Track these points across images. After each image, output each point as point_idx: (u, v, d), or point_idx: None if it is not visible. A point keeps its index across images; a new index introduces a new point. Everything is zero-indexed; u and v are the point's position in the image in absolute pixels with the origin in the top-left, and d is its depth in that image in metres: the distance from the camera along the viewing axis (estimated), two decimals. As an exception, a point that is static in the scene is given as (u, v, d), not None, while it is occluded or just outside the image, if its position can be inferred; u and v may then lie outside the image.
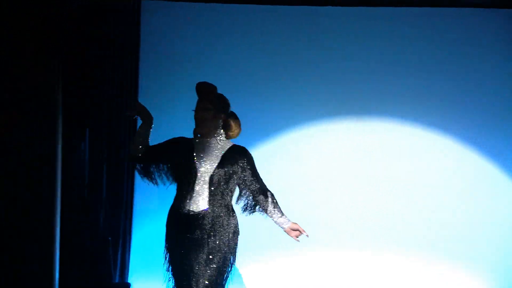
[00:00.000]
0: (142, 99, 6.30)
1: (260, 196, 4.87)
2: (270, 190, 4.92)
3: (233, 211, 4.85)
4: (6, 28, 5.52)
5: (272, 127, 6.59)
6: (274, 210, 4.89)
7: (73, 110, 6.11)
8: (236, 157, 4.85)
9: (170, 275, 4.81)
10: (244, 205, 4.90)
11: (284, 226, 4.91)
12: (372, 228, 6.59)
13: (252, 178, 4.88)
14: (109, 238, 6.35)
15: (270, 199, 4.89)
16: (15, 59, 5.51)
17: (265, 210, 4.89)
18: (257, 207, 4.90)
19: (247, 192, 4.87)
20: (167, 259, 4.82)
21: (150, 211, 6.41)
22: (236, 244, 4.85)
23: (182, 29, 6.56)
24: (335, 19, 6.63)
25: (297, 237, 4.95)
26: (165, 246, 4.84)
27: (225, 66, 6.56)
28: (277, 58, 6.60)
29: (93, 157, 6.34)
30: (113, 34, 6.26)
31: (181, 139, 4.91)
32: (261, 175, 4.92)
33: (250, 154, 4.93)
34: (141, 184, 6.24)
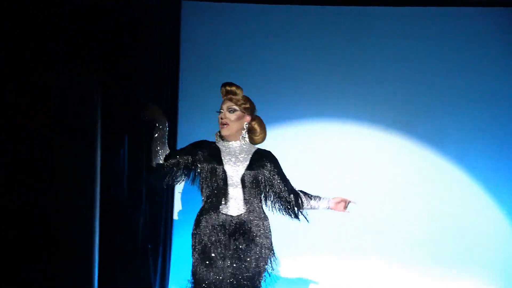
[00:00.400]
0: (182, 102, 6.38)
1: (291, 197, 4.80)
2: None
3: (265, 213, 4.77)
4: (44, 34, 5.47)
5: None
6: (311, 201, 4.85)
7: (112, 116, 6.04)
8: (263, 161, 4.78)
9: (192, 281, 4.70)
10: (280, 208, 4.83)
11: (330, 205, 4.87)
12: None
13: (279, 181, 4.80)
14: (149, 246, 6.27)
15: (303, 197, 4.84)
16: (53, 65, 5.45)
17: (303, 207, 4.83)
18: (295, 209, 4.82)
19: (278, 197, 4.79)
20: (198, 264, 4.70)
21: (190, 219, 6.21)
22: (272, 246, 4.75)
23: (222, 30, 6.56)
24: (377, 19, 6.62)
25: (345, 208, 4.90)
26: (194, 251, 4.72)
27: (265, 67, 6.55)
28: (323, 58, 6.59)
29: (132, 164, 6.26)
30: (153, 36, 6.21)
31: (206, 143, 4.82)
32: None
33: (276, 157, 4.85)
34: (182, 193, 6.22)
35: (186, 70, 6.49)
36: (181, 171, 4.80)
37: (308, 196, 4.89)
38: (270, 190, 4.79)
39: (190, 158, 4.78)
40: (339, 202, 4.91)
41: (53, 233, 5.46)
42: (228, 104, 4.79)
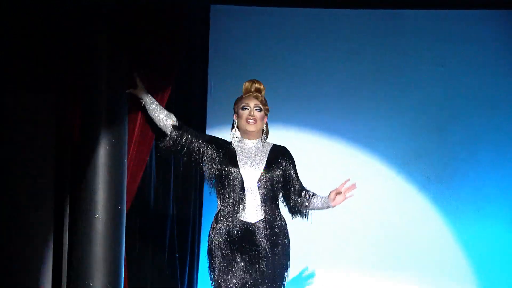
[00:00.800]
0: (211, 106, 6.36)
1: (302, 194, 4.69)
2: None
3: (282, 215, 4.68)
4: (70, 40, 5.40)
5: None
6: (317, 201, 4.69)
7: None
8: (280, 157, 4.68)
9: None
10: (292, 207, 4.71)
11: (330, 204, 4.70)
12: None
13: (295, 177, 4.70)
14: (176, 255, 6.14)
15: (312, 195, 4.70)
16: (83, 66, 5.36)
17: (312, 207, 4.70)
18: (304, 209, 4.70)
19: (293, 194, 4.67)
20: (216, 273, 4.56)
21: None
22: (289, 249, 4.65)
23: (250, 34, 6.52)
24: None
25: (345, 197, 4.72)
26: (212, 260, 4.64)
27: (293, 71, 6.51)
28: (353, 62, 6.53)
29: (160, 172, 6.14)
30: (182, 40, 6.11)
31: (222, 142, 4.70)
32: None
33: (291, 154, 4.76)
34: (209, 200, 6.09)
35: (214, 74, 6.45)
36: (188, 148, 4.69)
37: (316, 197, 4.73)
38: (286, 187, 4.67)
39: (202, 144, 4.66)
40: (338, 194, 4.71)
41: (75, 236, 5.37)
42: (255, 102, 4.72)
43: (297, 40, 6.53)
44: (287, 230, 4.71)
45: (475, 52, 6.54)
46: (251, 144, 4.73)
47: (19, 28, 5.48)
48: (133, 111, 5.41)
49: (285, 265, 4.66)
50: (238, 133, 4.77)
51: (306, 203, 4.72)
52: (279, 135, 6.19)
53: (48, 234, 5.66)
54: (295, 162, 4.78)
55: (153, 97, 5.19)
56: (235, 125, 4.80)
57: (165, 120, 4.87)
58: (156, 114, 4.89)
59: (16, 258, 5.52)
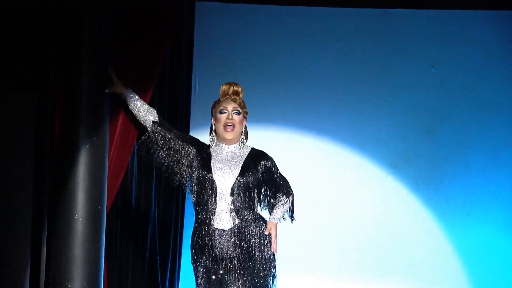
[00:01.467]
0: (195, 105, 6.29)
1: (279, 194, 4.57)
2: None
3: (263, 220, 4.55)
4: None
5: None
6: (277, 209, 4.57)
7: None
8: (257, 162, 4.57)
9: None
10: (266, 202, 4.61)
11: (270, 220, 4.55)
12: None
13: (276, 178, 4.59)
14: (158, 257, 6.06)
15: (285, 200, 4.57)
16: (64, 64, 5.27)
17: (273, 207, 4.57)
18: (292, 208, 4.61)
19: (270, 191, 4.57)
20: (199, 281, 4.49)
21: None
22: (274, 257, 4.54)
23: (235, 31, 6.47)
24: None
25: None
26: (194, 267, 4.57)
27: (279, 69, 6.47)
28: (343, 61, 6.48)
29: (141, 172, 6.05)
30: (166, 37, 6.03)
31: (201, 145, 4.62)
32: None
33: (271, 156, 4.65)
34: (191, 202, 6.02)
35: (199, 73, 6.40)
36: (166, 145, 4.65)
37: (284, 205, 4.62)
38: (265, 188, 4.58)
39: (181, 143, 4.65)
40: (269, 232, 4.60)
41: (54, 238, 5.28)
42: (233, 105, 4.62)
43: (285, 39, 6.49)
44: (267, 237, 4.58)
45: (466, 53, 6.50)
46: (228, 149, 4.63)
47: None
48: (114, 110, 5.33)
49: (268, 275, 4.54)
50: (215, 137, 4.67)
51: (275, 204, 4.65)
52: (266, 136, 6.15)
53: (26, 234, 5.57)
54: (277, 167, 4.66)
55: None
56: (213, 129, 4.69)
57: (146, 115, 4.78)
58: (136, 109, 4.81)
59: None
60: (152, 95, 5.86)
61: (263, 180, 4.60)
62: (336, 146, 6.52)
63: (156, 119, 4.76)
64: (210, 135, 4.70)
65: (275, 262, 4.60)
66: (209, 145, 4.68)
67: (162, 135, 4.72)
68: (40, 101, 5.54)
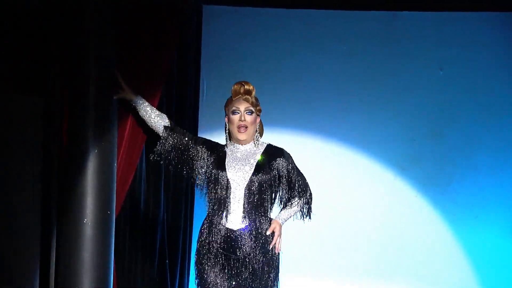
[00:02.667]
0: (203, 108, 6.29)
1: (293, 194, 4.58)
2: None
3: (268, 220, 4.54)
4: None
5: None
6: (285, 210, 4.58)
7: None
8: (274, 159, 4.54)
9: None
10: (281, 203, 4.61)
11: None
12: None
13: (292, 177, 4.57)
14: (167, 261, 6.05)
15: (296, 202, 4.57)
16: (72, 67, 5.26)
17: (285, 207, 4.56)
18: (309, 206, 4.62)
19: (284, 192, 4.57)
20: (200, 281, 4.46)
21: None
22: (279, 260, 4.53)
23: (244, 35, 6.46)
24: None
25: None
26: (197, 267, 4.54)
27: (287, 73, 6.45)
28: (349, 64, 6.47)
29: (150, 175, 6.04)
30: (174, 41, 6.02)
31: (215, 145, 4.60)
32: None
33: (289, 154, 4.62)
34: (201, 205, 5.99)
35: (207, 76, 6.39)
36: (179, 149, 4.62)
37: (297, 205, 4.64)
38: (282, 190, 4.58)
39: (196, 147, 4.58)
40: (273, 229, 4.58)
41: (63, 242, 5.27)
42: (245, 105, 4.59)
43: (291, 42, 6.47)
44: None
45: (473, 55, 6.48)
46: (242, 148, 4.62)
47: (6, 28, 5.39)
48: (123, 114, 5.32)
49: (273, 276, 4.53)
50: (229, 137, 4.66)
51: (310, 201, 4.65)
52: (273, 138, 6.11)
53: (35, 238, 5.56)
54: (294, 164, 4.64)
55: (143, 97, 5.09)
56: (227, 128, 4.68)
57: (157, 121, 4.76)
58: (147, 115, 4.79)
59: (2, 263, 5.42)
60: (160, 98, 5.87)
61: (278, 179, 4.59)
62: (343, 148, 6.50)
63: (168, 124, 4.74)
64: (225, 133, 4.67)
65: (279, 264, 4.58)
66: (225, 144, 4.65)
67: (175, 140, 4.70)
68: (47, 105, 5.53)
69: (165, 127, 4.73)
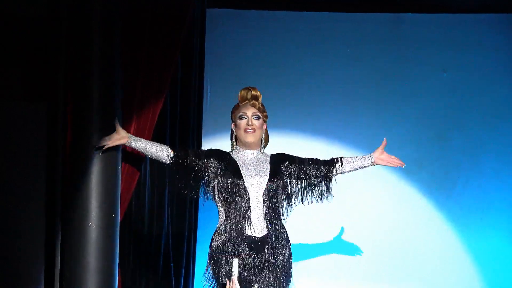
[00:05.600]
0: (206, 112, 6.26)
1: (327, 167, 4.59)
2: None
3: (286, 233, 4.55)
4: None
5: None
6: (351, 161, 4.62)
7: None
8: (281, 164, 4.55)
9: None
10: (319, 193, 4.62)
11: (372, 160, 4.64)
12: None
13: (305, 160, 4.60)
14: (171, 265, 6.03)
15: (339, 160, 4.60)
16: (75, 73, 5.27)
17: (338, 171, 4.59)
18: (331, 183, 4.61)
19: (314, 170, 4.58)
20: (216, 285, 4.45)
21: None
22: (291, 273, 4.53)
23: (247, 39, 6.44)
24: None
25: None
26: (216, 274, 4.49)
27: (291, 76, 6.42)
28: (354, 67, 6.45)
29: (154, 179, 6.03)
30: (177, 44, 6.02)
31: (221, 153, 4.56)
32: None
33: (288, 153, 4.64)
34: (205, 209, 6.00)
35: (210, 80, 6.38)
36: (192, 175, 4.55)
37: (347, 159, 4.64)
38: (303, 175, 4.57)
39: (204, 163, 4.54)
40: (384, 158, 4.67)
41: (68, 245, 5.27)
42: (252, 110, 4.57)
43: (296, 45, 6.46)
44: (289, 241, 4.58)
45: (478, 58, 6.47)
46: (251, 155, 4.59)
47: (10, 34, 5.42)
48: (126, 118, 5.33)
49: (288, 277, 4.53)
50: (236, 143, 4.63)
51: (339, 169, 4.64)
52: (277, 142, 6.11)
53: (40, 242, 5.57)
54: (296, 155, 4.65)
55: (147, 105, 5.06)
56: (234, 135, 4.65)
57: (156, 152, 4.64)
58: (145, 151, 4.67)
59: (7, 267, 5.43)
60: (164, 103, 5.87)
61: (296, 174, 4.59)
62: (348, 152, 6.47)
63: (171, 153, 4.63)
64: (231, 140, 4.64)
65: (291, 278, 4.57)
66: (229, 151, 4.62)
67: (182, 166, 4.62)
68: (51, 110, 5.55)
69: (169, 157, 4.63)
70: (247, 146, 4.58)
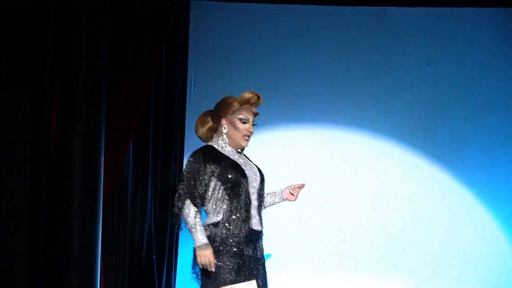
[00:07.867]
0: (190, 104, 6.25)
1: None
2: None
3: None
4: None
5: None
6: (268, 200, 4.70)
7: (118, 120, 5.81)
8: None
9: None
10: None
11: (283, 197, 4.69)
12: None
13: None
14: (154, 257, 6.04)
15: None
16: (61, 65, 5.26)
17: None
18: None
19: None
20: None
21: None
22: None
23: (232, 31, 6.40)
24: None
25: (297, 191, 4.67)
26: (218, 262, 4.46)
27: (276, 69, 6.41)
28: (340, 61, 6.44)
29: (137, 171, 6.03)
30: (162, 37, 6.01)
31: (214, 151, 4.48)
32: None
33: None
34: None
35: (194, 72, 6.34)
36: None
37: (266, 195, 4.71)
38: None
39: (209, 179, 4.47)
40: (292, 192, 4.68)
41: (51, 237, 5.27)
42: (253, 117, 4.56)
43: (281, 38, 6.43)
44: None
45: (463, 51, 6.47)
46: (242, 155, 4.61)
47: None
48: (111, 111, 5.33)
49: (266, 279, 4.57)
50: (226, 140, 4.56)
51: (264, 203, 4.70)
52: (262, 135, 6.12)
53: (23, 234, 5.57)
54: None
55: (133, 95, 5.04)
56: (224, 132, 4.58)
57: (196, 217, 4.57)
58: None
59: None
60: (148, 95, 5.88)
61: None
62: (332, 145, 6.49)
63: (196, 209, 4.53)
64: (220, 136, 4.57)
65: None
66: (214, 146, 4.54)
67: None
68: (36, 101, 5.54)
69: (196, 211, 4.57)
70: (237, 147, 4.56)
